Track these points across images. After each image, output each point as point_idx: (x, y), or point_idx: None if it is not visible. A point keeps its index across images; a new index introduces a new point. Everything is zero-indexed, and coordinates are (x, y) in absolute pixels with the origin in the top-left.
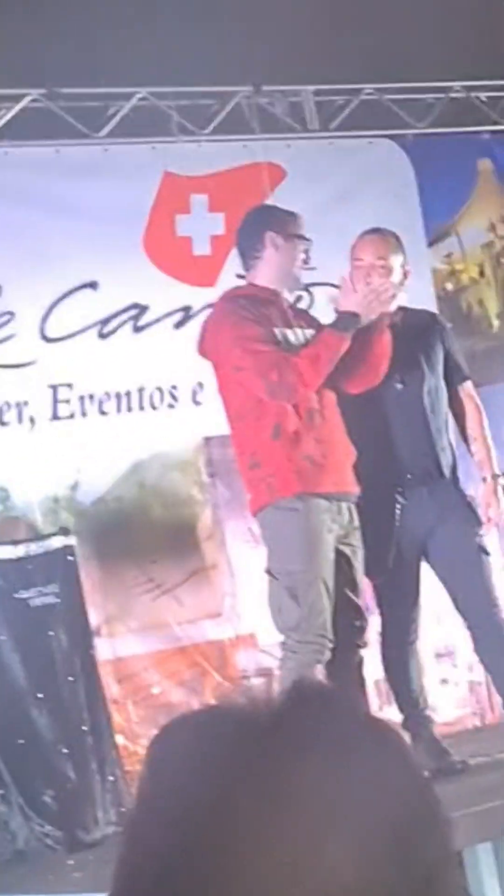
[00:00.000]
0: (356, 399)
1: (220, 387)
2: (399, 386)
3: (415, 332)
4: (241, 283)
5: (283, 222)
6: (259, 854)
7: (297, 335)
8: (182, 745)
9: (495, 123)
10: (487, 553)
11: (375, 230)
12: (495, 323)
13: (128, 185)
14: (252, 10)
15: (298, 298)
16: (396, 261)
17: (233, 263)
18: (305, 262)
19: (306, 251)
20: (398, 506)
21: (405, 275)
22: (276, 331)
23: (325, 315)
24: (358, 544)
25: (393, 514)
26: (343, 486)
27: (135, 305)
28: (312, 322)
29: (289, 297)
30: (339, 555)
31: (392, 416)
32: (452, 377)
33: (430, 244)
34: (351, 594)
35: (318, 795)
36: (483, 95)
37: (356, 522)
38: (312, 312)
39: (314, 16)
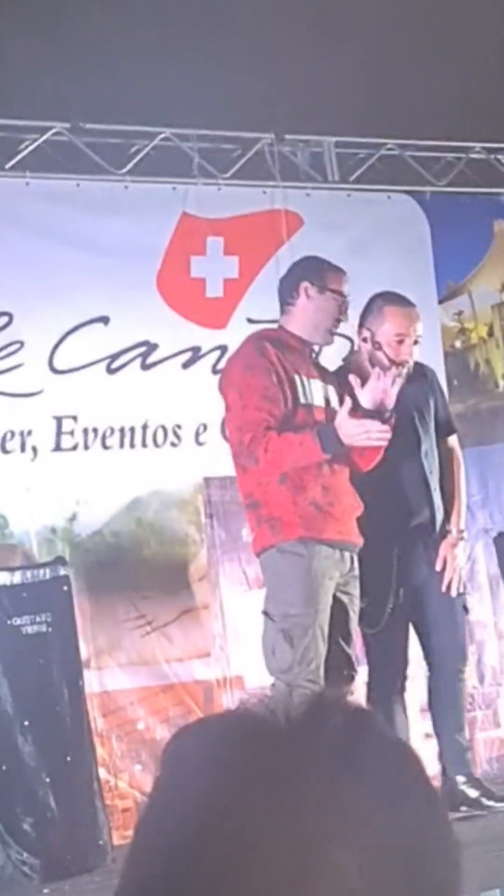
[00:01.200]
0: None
1: (228, 423)
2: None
3: (413, 390)
4: (254, 327)
5: (322, 275)
6: (269, 858)
7: (316, 388)
8: (199, 747)
9: None
10: (468, 611)
11: (393, 297)
12: (501, 383)
13: (145, 223)
14: (279, 59)
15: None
16: (416, 330)
17: (244, 307)
18: (339, 318)
19: (343, 307)
20: (395, 560)
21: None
22: (297, 377)
23: (335, 365)
24: (356, 594)
25: (391, 567)
26: (347, 536)
27: (144, 343)
28: (329, 378)
29: (316, 349)
30: (337, 602)
31: (394, 473)
32: (440, 429)
33: (441, 301)
34: (343, 643)
35: (331, 806)
36: (503, 157)
37: (356, 572)
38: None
39: (341, 68)
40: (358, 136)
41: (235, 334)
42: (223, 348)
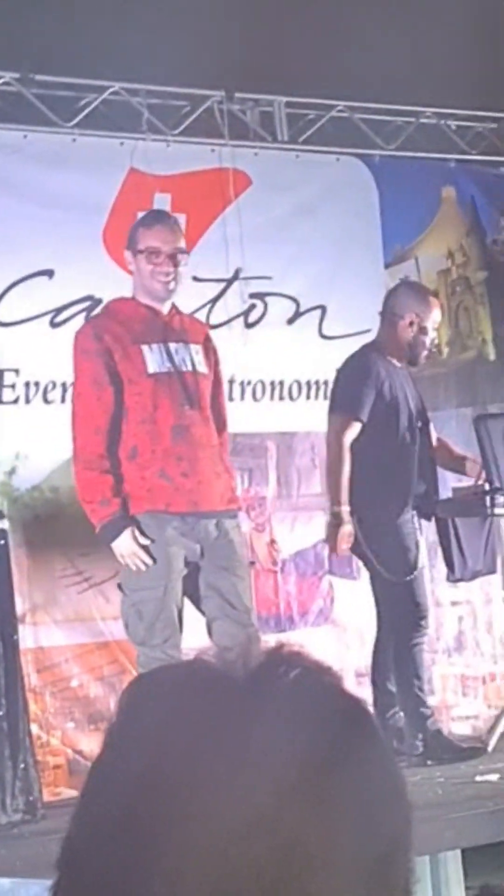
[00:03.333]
0: (373, 432)
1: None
2: (419, 424)
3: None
4: (200, 286)
5: (134, 237)
6: (223, 808)
7: (178, 351)
8: (156, 695)
9: (463, 153)
10: None
11: (426, 290)
12: (445, 350)
13: (93, 177)
14: (233, 17)
15: (252, 307)
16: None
17: (191, 265)
18: (169, 271)
19: (166, 259)
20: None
21: None
22: (145, 347)
23: (278, 329)
24: (232, 559)
25: (413, 523)
26: (205, 505)
27: (89, 297)
28: (200, 330)
29: (163, 308)
30: (195, 570)
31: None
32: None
33: (388, 266)
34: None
35: (287, 757)
36: (453, 124)
37: (230, 536)
38: (266, 322)
39: (293, 28)
40: (308, 97)
41: (182, 292)
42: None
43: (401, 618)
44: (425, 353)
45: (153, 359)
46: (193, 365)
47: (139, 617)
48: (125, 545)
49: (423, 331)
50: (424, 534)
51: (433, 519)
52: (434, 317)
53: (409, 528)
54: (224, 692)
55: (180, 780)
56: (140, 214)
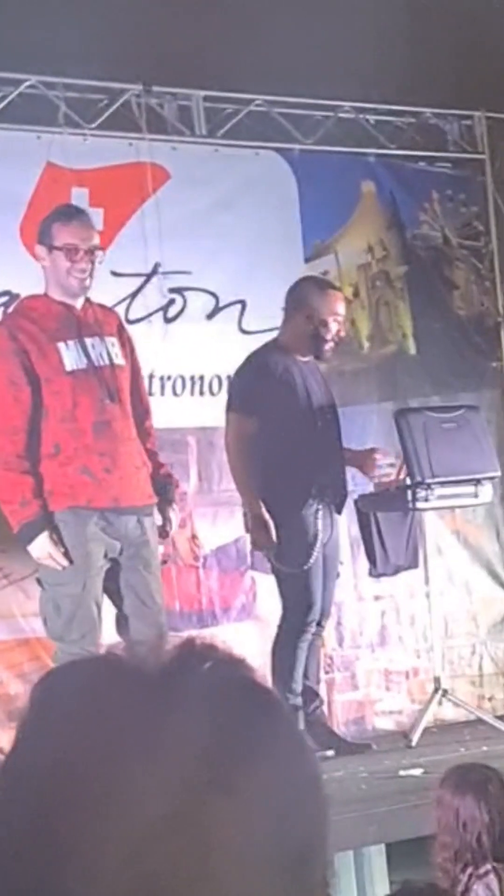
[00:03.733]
0: (270, 427)
1: None
2: (320, 423)
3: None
4: (119, 281)
5: (49, 233)
6: (136, 804)
7: (94, 346)
8: (68, 690)
9: (382, 147)
10: (338, 575)
11: (325, 282)
12: (365, 345)
13: (9, 171)
14: (150, 9)
15: (171, 302)
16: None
17: (109, 260)
18: (85, 267)
19: (83, 255)
20: (319, 513)
21: None
22: (62, 345)
23: (198, 324)
24: (149, 557)
25: (315, 520)
26: (127, 500)
27: (6, 293)
28: (112, 320)
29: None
30: (115, 566)
31: (310, 439)
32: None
33: (307, 260)
34: (118, 609)
35: (203, 751)
36: (372, 118)
37: (147, 536)
38: (185, 316)
39: (212, 21)
40: (227, 90)
41: (99, 287)
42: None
43: (292, 609)
44: (329, 346)
45: (70, 356)
46: (111, 358)
47: (57, 612)
48: (41, 548)
49: (322, 324)
50: (347, 528)
51: (356, 512)
52: (335, 310)
53: (309, 520)
54: (136, 686)
55: (92, 776)
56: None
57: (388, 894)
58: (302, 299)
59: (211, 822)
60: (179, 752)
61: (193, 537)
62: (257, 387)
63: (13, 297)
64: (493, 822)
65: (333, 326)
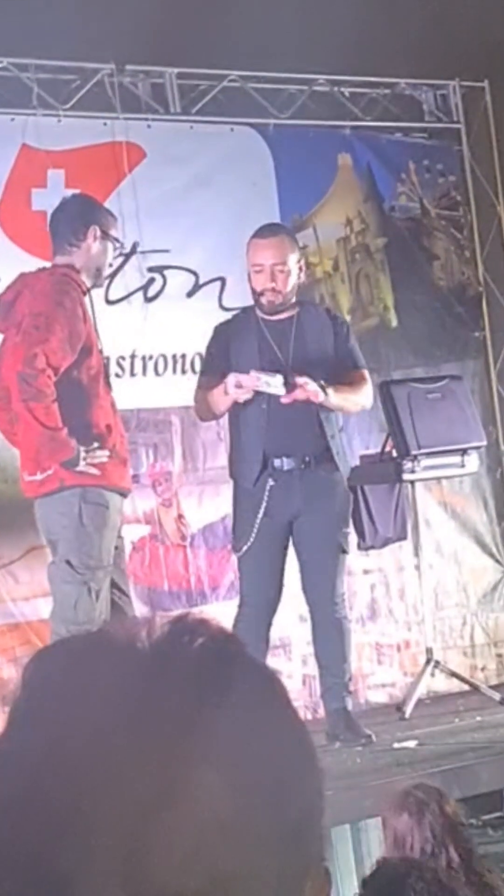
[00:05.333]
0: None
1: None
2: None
3: (313, 329)
4: None
5: (105, 220)
6: (134, 778)
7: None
8: (60, 669)
9: (357, 119)
10: (345, 551)
11: (270, 230)
12: (347, 318)
13: None
14: None
15: (151, 281)
16: (293, 260)
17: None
18: (110, 265)
19: (113, 255)
20: (268, 488)
21: (301, 270)
22: (84, 327)
23: (178, 302)
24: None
25: (262, 493)
26: (129, 482)
27: None
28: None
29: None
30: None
31: (272, 408)
32: (345, 365)
33: None
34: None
35: (197, 727)
36: (346, 90)
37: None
38: (165, 295)
39: None
40: (200, 67)
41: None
42: None
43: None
44: (265, 298)
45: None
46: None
47: (94, 597)
48: None
49: (249, 278)
50: None
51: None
52: (256, 260)
53: (258, 496)
54: (128, 662)
55: (86, 754)
56: (34, 190)
57: (365, 875)
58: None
59: (204, 797)
60: (171, 728)
61: (180, 517)
62: (210, 350)
63: None
64: (427, 840)
65: (260, 279)
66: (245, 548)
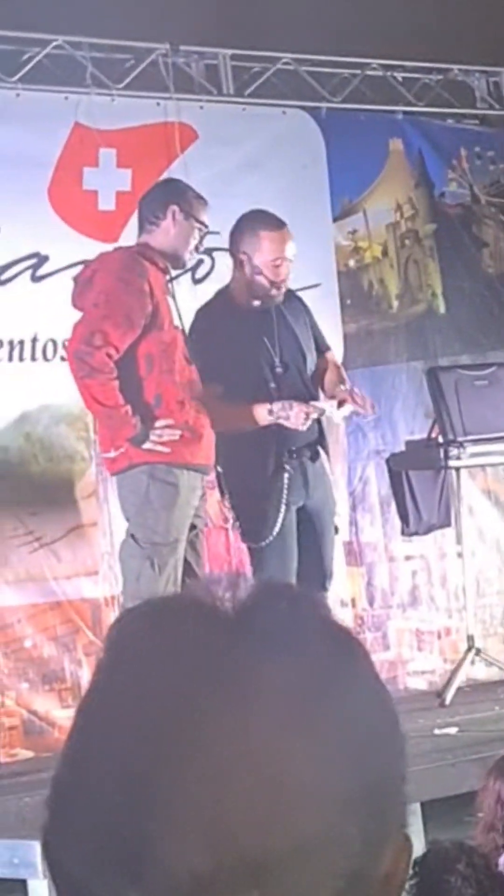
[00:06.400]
0: (240, 375)
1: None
2: (279, 370)
3: (292, 314)
4: None
5: (189, 202)
6: (217, 742)
7: (175, 307)
8: (145, 629)
9: (410, 105)
10: (337, 531)
11: (281, 222)
12: (395, 304)
13: (37, 132)
14: None
15: (200, 262)
16: (291, 251)
17: (136, 221)
18: (196, 248)
19: (201, 239)
20: (286, 475)
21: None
22: (170, 300)
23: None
24: (203, 517)
25: (281, 483)
26: (208, 458)
27: (35, 255)
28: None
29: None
30: (192, 528)
31: (268, 393)
32: (318, 347)
33: (336, 219)
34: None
35: (281, 691)
36: (399, 75)
37: (203, 494)
38: (213, 277)
39: None
40: (254, 49)
41: None
42: None
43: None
44: (273, 291)
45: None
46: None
47: (157, 571)
48: None
49: (257, 271)
50: (377, 488)
51: (388, 471)
52: (268, 253)
53: (269, 488)
54: (212, 624)
55: (170, 717)
56: (85, 169)
57: (417, 857)
58: (234, 243)
59: (287, 761)
60: (256, 691)
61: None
62: (209, 349)
63: (42, 258)
64: None
65: (281, 271)
66: (270, 538)
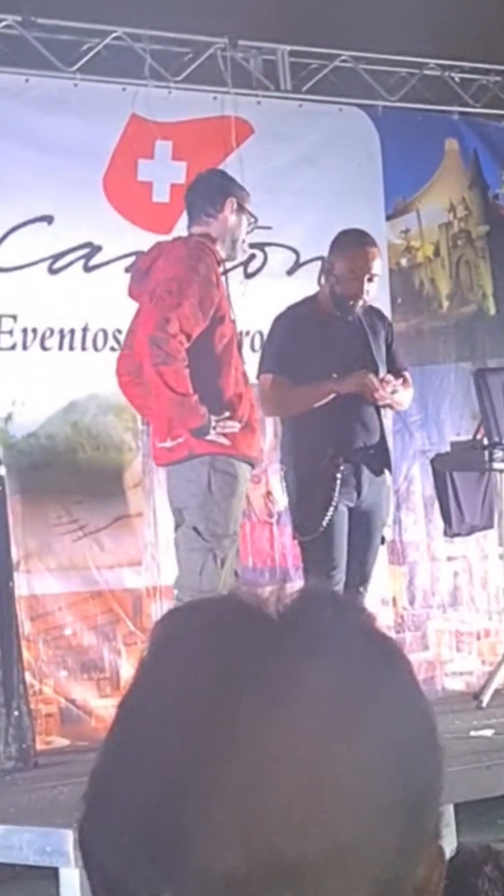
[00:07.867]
0: (310, 380)
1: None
2: None
3: (372, 329)
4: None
5: (242, 195)
6: (258, 744)
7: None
8: (189, 629)
9: (466, 105)
10: (384, 541)
11: (370, 238)
12: (445, 304)
13: (94, 123)
14: None
15: (252, 257)
16: (377, 268)
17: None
18: (245, 240)
19: (249, 231)
20: (339, 475)
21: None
22: (217, 292)
23: (278, 280)
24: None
25: (333, 481)
26: (259, 452)
27: (88, 244)
28: None
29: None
30: None
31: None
32: (395, 365)
33: (389, 218)
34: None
35: (322, 697)
36: (457, 76)
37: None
38: (265, 272)
39: None
40: (312, 46)
41: None
42: None
43: (312, 577)
44: (357, 305)
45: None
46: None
47: (220, 565)
48: None
49: (341, 284)
50: (421, 488)
51: (432, 472)
52: (357, 269)
53: (325, 485)
54: (258, 628)
55: (212, 716)
56: (141, 161)
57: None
58: (330, 255)
59: (327, 766)
60: (299, 695)
61: (268, 493)
62: (273, 345)
63: (95, 248)
64: None
65: (353, 286)
66: (316, 534)
